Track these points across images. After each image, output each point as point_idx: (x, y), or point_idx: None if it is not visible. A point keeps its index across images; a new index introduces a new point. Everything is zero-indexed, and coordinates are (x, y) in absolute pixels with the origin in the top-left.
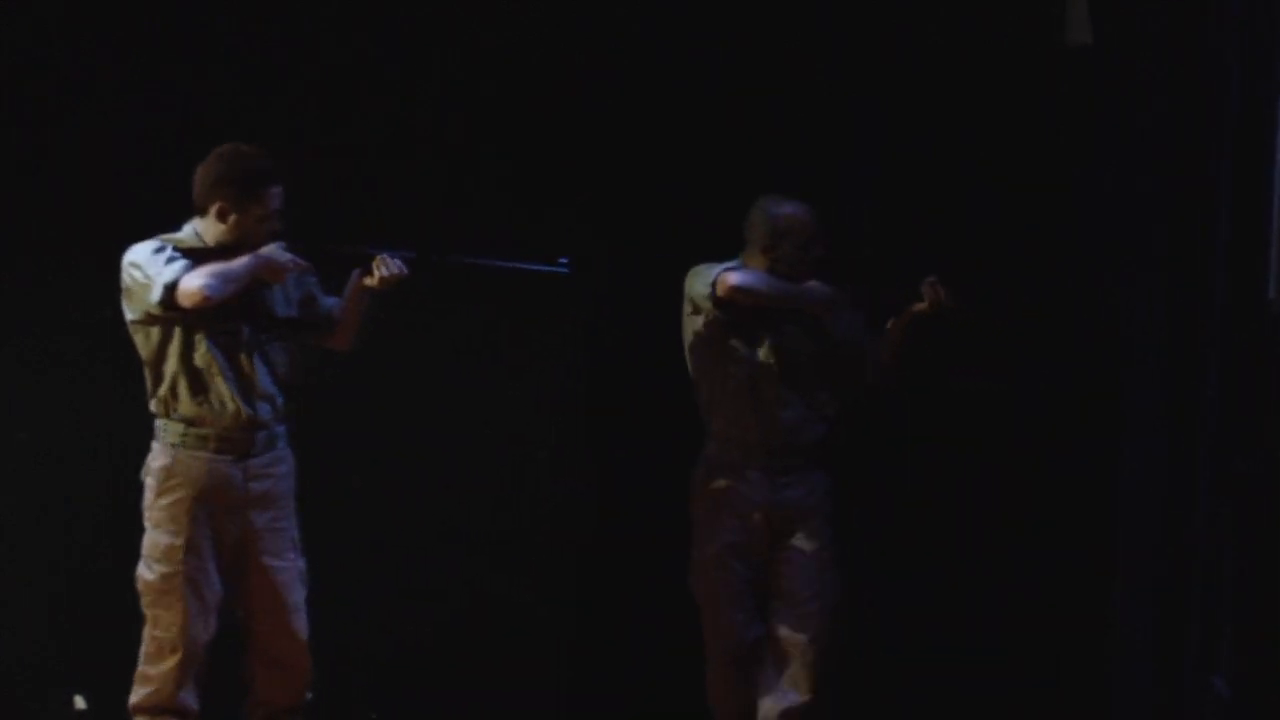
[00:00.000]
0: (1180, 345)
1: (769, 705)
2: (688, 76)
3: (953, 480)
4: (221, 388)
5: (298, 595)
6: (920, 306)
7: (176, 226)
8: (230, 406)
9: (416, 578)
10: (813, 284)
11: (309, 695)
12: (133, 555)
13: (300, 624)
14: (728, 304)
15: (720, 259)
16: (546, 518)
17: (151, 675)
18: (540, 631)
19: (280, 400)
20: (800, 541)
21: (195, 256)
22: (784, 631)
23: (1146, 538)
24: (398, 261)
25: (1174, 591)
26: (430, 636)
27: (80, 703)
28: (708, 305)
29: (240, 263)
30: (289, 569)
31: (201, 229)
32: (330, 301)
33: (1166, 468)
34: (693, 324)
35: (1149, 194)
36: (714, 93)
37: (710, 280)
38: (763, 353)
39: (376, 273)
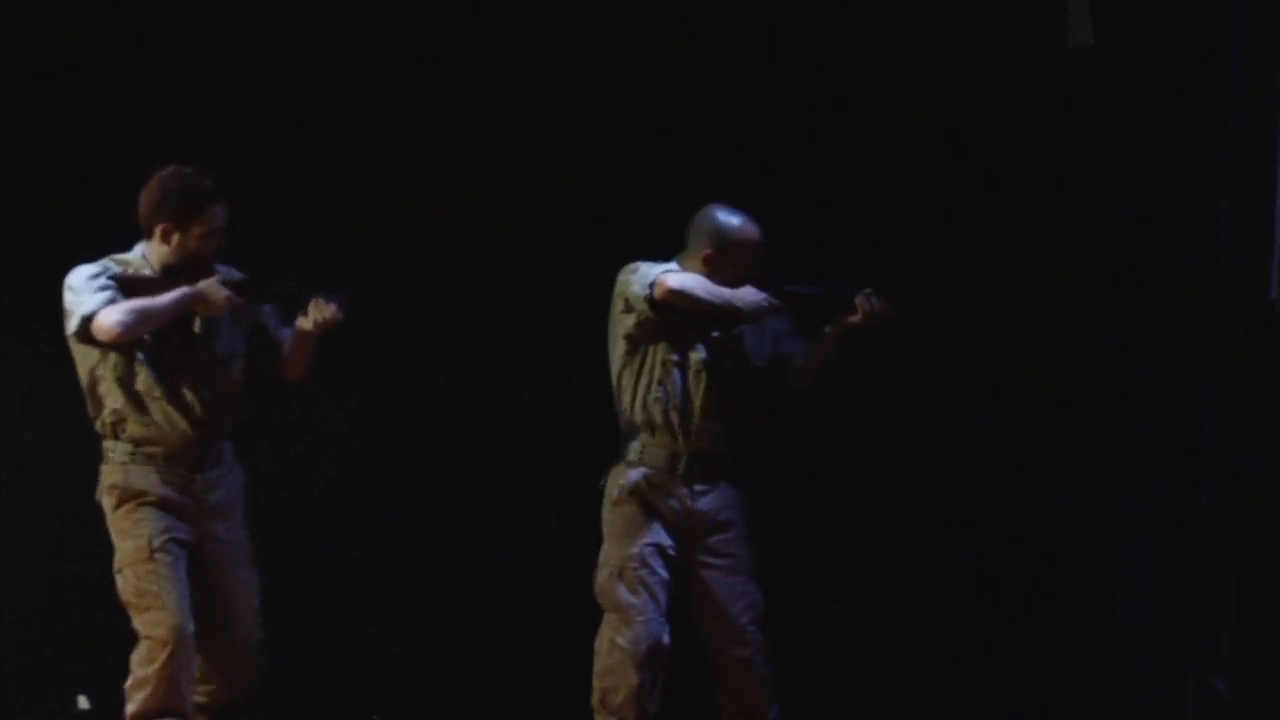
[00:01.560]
0: (1181, 346)
1: None
2: (683, 78)
3: (956, 480)
4: (167, 410)
5: (254, 600)
6: (854, 319)
7: (129, 246)
8: (179, 426)
9: (417, 578)
10: (747, 290)
11: (252, 696)
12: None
13: (251, 630)
14: (664, 306)
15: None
16: (548, 518)
17: (146, 677)
18: (541, 631)
19: (226, 419)
20: (720, 557)
21: (136, 284)
22: (726, 652)
23: (1147, 538)
24: (333, 306)
25: (1175, 592)
26: (431, 636)
27: (83, 703)
28: (643, 306)
29: (168, 298)
30: (247, 579)
31: (148, 251)
32: (285, 332)
33: (1168, 468)
34: (623, 323)
35: (1149, 194)
36: (711, 95)
37: (649, 281)
38: (693, 358)
39: (312, 315)
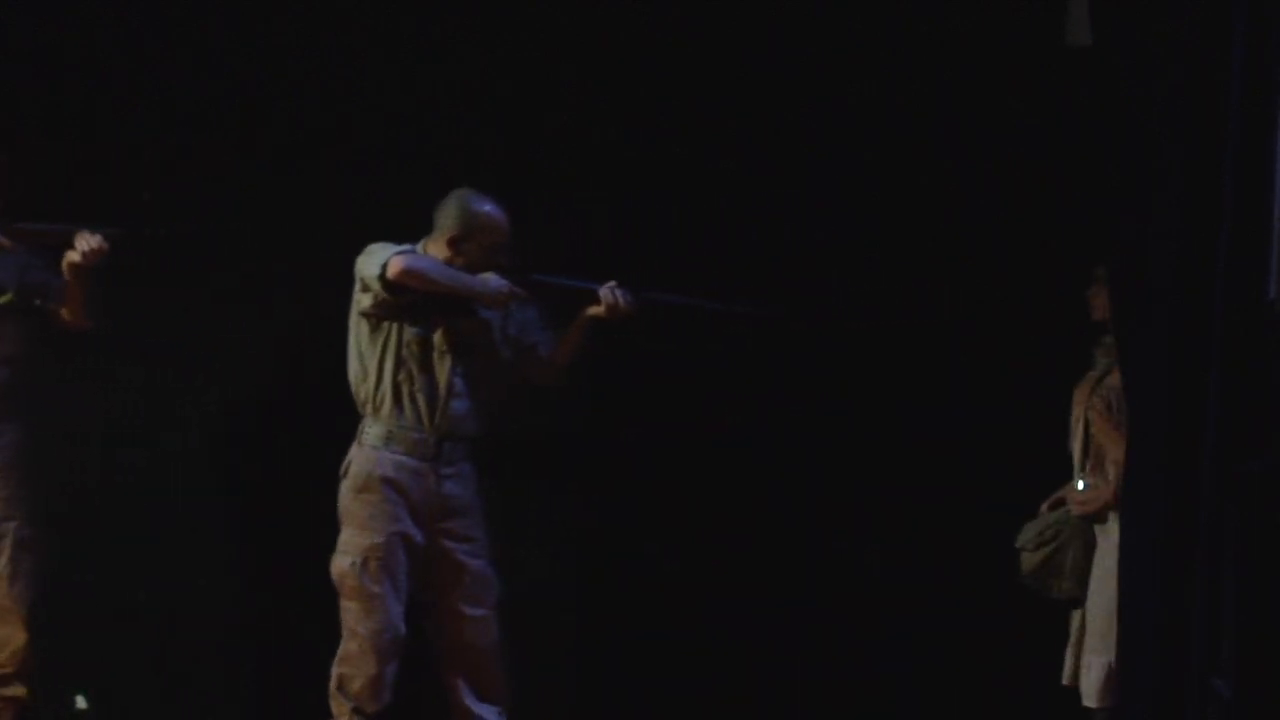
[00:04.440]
0: (1181, 346)
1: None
2: (683, 78)
3: (955, 479)
4: None
5: (20, 563)
6: (596, 310)
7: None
8: None
9: None
10: (488, 276)
11: (27, 665)
12: (132, 556)
13: (19, 591)
14: (397, 287)
15: (687, 269)
16: (547, 518)
17: None
18: (542, 631)
19: (3, 374)
20: (462, 541)
21: None
22: (471, 639)
23: (1147, 538)
24: (98, 237)
25: (1175, 592)
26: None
27: (81, 702)
28: (376, 286)
29: None
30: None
31: None
32: (58, 280)
33: (1167, 468)
34: (360, 303)
35: (1149, 194)
36: (711, 95)
37: (382, 261)
38: (436, 339)
39: (79, 247)
